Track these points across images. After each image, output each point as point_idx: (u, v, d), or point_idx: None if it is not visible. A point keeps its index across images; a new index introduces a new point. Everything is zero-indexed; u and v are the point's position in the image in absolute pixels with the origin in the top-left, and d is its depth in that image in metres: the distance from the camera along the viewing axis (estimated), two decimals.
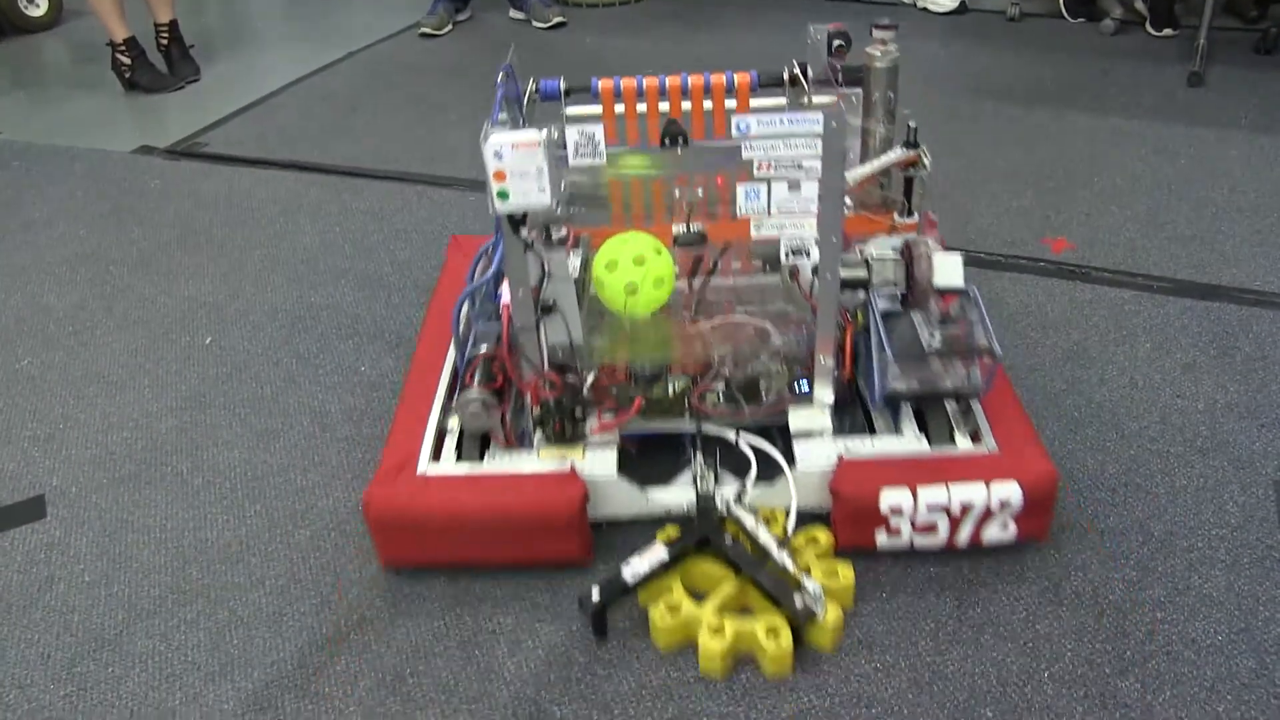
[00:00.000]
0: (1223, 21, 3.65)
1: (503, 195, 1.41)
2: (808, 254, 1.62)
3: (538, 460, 1.58)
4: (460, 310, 1.75)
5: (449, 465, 1.60)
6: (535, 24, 4.15)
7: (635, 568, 1.44)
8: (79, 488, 1.82)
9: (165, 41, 3.72)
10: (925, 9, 4.08)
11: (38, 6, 4.43)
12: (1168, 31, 3.63)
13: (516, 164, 1.39)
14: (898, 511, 1.48)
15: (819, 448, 1.58)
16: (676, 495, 1.60)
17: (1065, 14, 3.87)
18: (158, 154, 3.16)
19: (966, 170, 2.75)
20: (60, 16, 4.50)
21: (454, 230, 2.56)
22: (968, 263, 1.58)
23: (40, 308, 2.37)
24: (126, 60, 3.64)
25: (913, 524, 1.49)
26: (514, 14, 4.26)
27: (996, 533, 1.51)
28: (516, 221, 1.45)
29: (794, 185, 1.47)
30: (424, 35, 4.04)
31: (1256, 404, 1.87)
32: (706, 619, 1.40)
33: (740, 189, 1.48)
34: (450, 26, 4.10)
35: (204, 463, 1.86)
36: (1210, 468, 1.74)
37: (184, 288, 2.42)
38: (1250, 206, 2.52)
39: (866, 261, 1.57)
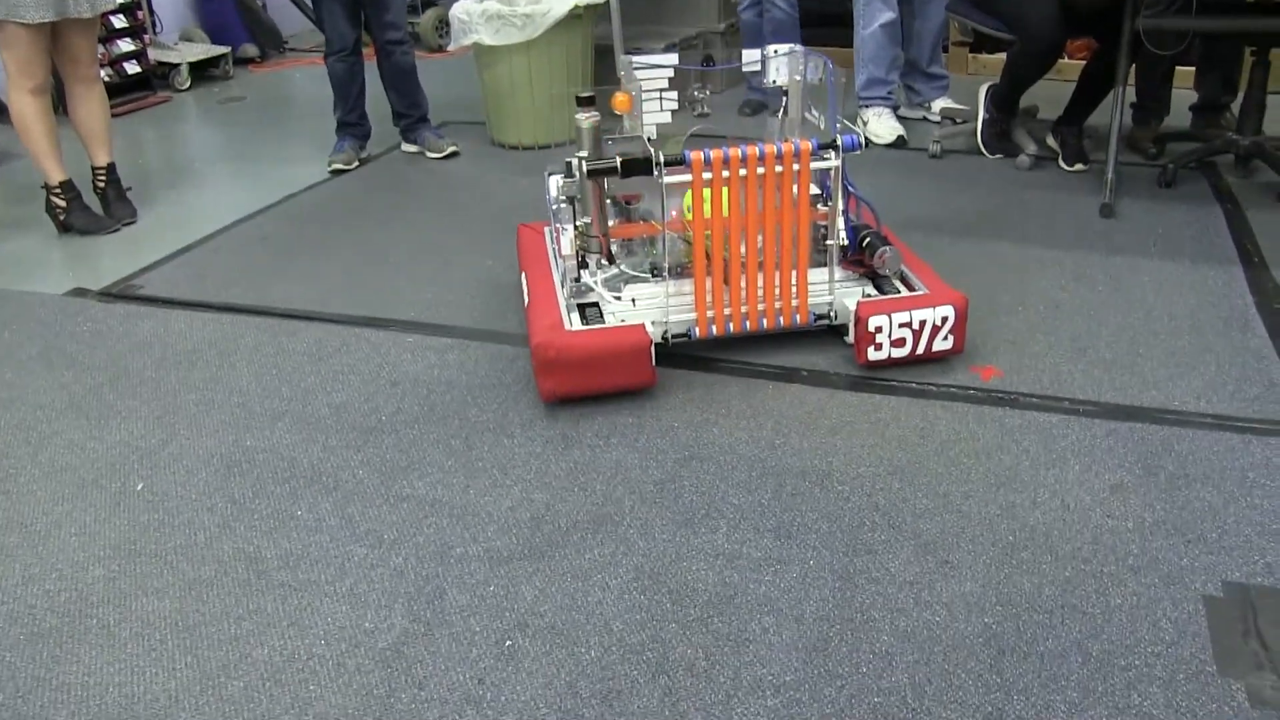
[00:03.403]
0: (1127, 157, 3.84)
1: None
2: None
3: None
4: None
5: None
6: (429, 154, 4.36)
7: None
8: None
9: (102, 184, 3.75)
10: (869, 140, 4.26)
11: None
12: (1079, 166, 3.80)
13: None
14: None
15: None
16: None
17: (984, 150, 4.04)
18: (91, 296, 3.14)
19: None
20: None
21: (391, 372, 2.57)
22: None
23: None
24: (61, 203, 3.64)
25: None
26: (407, 147, 4.46)
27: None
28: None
29: None
30: (335, 171, 4.22)
31: (1182, 521, 1.92)
32: None
33: None
34: (357, 163, 4.29)
35: (132, 613, 1.81)
36: (1143, 585, 1.76)
37: (115, 432, 2.39)
38: (1165, 331, 2.61)
39: None
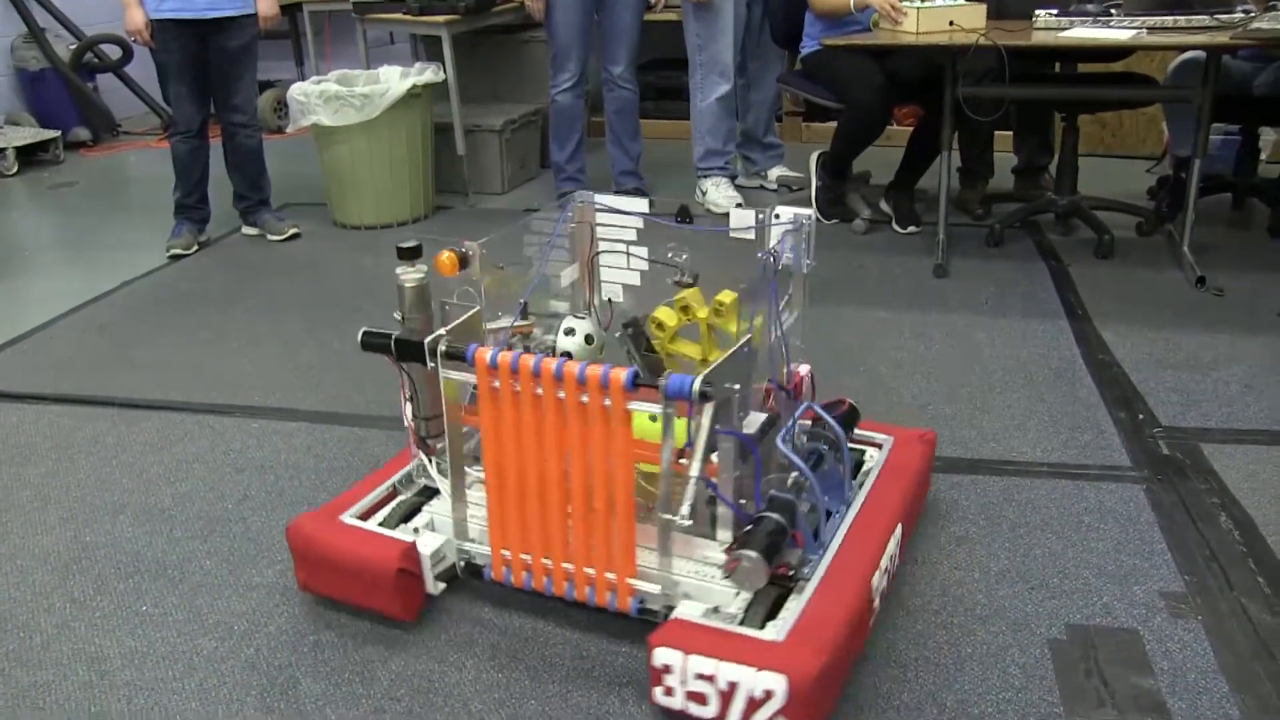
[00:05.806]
0: (957, 219, 4.04)
1: None
2: None
3: None
4: None
5: None
6: (270, 237, 4.29)
7: None
8: None
9: None
10: (708, 210, 4.35)
11: None
12: (912, 229, 3.97)
13: None
14: None
15: None
16: None
17: (820, 217, 4.18)
18: None
19: None
20: None
21: (237, 459, 2.50)
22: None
23: None
24: None
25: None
26: (247, 230, 4.38)
27: None
28: None
29: None
30: (174, 256, 4.11)
31: (1025, 568, 2.00)
32: None
33: None
34: (196, 247, 4.21)
35: None
36: (991, 634, 1.83)
37: None
38: (1000, 385, 2.74)
39: None
